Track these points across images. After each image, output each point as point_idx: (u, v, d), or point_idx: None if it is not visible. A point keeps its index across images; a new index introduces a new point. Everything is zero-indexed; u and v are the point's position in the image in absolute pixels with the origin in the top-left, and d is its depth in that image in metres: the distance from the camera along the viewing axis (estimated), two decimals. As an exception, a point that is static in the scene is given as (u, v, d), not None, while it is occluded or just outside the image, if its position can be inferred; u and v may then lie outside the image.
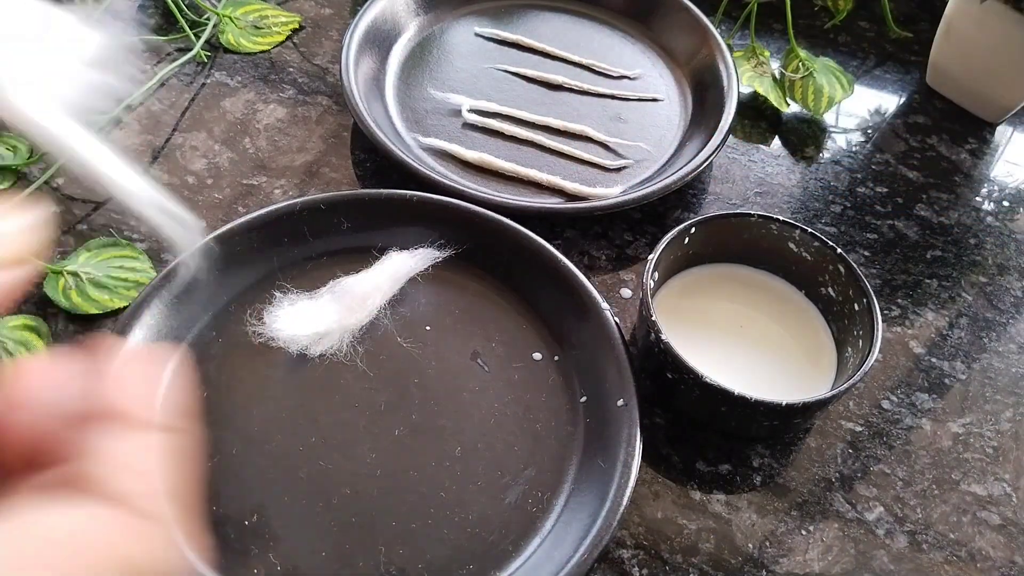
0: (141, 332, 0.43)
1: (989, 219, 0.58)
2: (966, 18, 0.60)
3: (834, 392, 0.40)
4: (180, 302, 0.44)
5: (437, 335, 0.46)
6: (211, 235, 0.46)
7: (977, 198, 0.59)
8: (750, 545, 0.41)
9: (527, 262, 0.48)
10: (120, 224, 0.51)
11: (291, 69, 0.61)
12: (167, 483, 0.20)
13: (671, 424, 0.45)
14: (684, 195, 0.56)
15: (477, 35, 0.63)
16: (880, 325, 0.42)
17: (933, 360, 0.50)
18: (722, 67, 0.59)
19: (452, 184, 0.51)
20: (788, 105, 0.61)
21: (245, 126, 0.57)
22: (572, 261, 0.47)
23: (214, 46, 0.62)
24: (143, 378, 0.21)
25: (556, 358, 0.46)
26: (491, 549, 0.39)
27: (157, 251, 0.49)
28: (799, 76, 0.61)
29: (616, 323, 0.45)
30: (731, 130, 0.55)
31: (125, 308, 0.46)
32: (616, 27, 0.66)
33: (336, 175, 0.55)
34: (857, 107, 0.64)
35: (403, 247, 0.48)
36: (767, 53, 0.63)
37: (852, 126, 0.63)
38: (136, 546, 0.19)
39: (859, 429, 0.46)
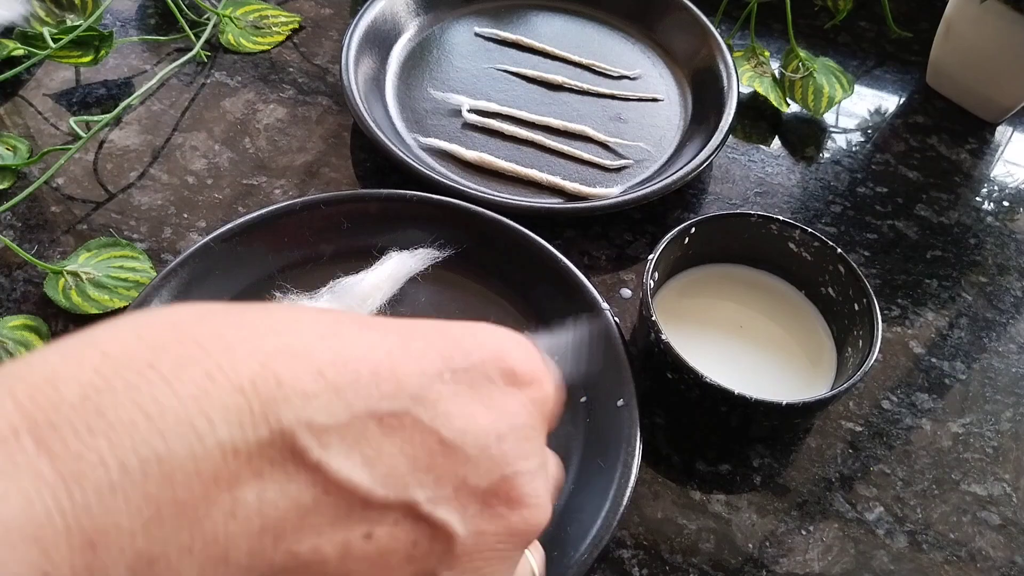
0: (141, 332, 0.43)
1: (989, 219, 0.58)
2: (966, 18, 0.60)
3: (834, 392, 0.40)
4: (180, 302, 0.44)
5: (437, 335, 0.46)
6: (211, 235, 0.46)
7: (977, 198, 0.59)
8: (750, 545, 0.41)
9: (527, 262, 0.48)
10: (120, 224, 0.51)
11: (291, 69, 0.61)
12: None
13: (671, 424, 0.45)
14: (684, 195, 0.56)
15: (477, 35, 0.63)
16: (880, 325, 0.42)
17: (933, 360, 0.50)
18: (722, 67, 0.59)
19: (452, 184, 0.51)
20: (788, 105, 0.61)
21: (245, 126, 0.57)
22: (572, 261, 0.47)
23: (214, 46, 0.62)
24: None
25: (556, 358, 0.46)
26: (491, 549, 0.39)
27: (157, 251, 0.49)
28: (799, 76, 0.61)
29: (616, 323, 0.45)
30: (731, 130, 0.55)
31: (125, 308, 0.46)
32: (616, 27, 0.66)
33: (336, 175, 0.55)
34: (857, 107, 0.64)
35: (403, 247, 0.48)
36: (767, 53, 0.63)
37: (852, 126, 0.63)
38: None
39: (859, 429, 0.46)
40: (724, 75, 0.59)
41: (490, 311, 0.47)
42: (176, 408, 0.19)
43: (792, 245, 0.47)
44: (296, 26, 0.64)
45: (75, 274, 0.47)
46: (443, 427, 0.22)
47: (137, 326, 0.21)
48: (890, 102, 0.65)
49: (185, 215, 0.51)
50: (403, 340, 0.23)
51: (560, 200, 0.53)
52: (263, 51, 0.62)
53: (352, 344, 0.22)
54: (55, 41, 0.54)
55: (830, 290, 0.46)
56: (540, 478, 0.25)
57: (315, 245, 0.48)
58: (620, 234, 0.53)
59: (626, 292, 0.51)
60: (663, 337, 0.41)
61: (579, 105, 0.59)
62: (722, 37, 0.61)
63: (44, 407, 0.19)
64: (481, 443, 0.23)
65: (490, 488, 0.23)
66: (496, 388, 0.24)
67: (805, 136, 0.61)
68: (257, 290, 0.46)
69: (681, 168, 0.53)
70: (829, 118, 0.63)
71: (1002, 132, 0.64)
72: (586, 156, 0.56)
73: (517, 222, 0.48)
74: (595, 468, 0.41)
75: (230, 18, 0.62)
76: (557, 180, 0.54)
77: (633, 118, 0.59)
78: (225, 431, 0.19)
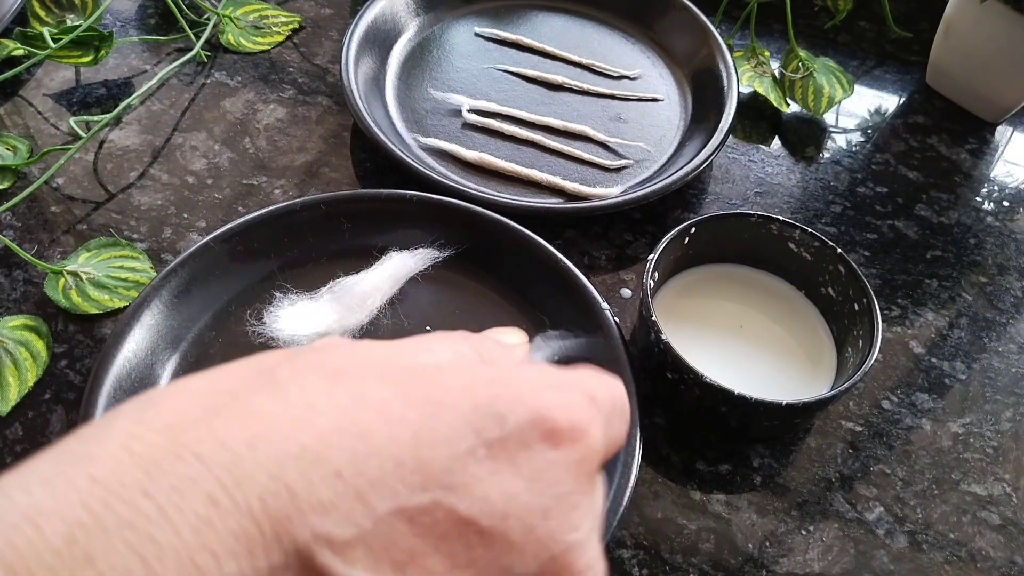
0: (141, 332, 0.43)
1: (989, 219, 0.58)
2: (966, 18, 0.60)
3: (834, 392, 0.40)
4: (180, 302, 0.44)
5: (437, 335, 0.46)
6: (211, 235, 0.46)
7: (977, 198, 0.59)
8: (750, 545, 0.41)
9: (527, 262, 0.48)
10: (120, 224, 0.51)
11: (291, 69, 0.61)
12: None
13: (671, 424, 0.45)
14: (684, 195, 0.56)
15: (477, 35, 0.63)
16: (880, 325, 0.42)
17: (933, 360, 0.50)
18: (722, 67, 0.59)
19: (452, 184, 0.51)
20: (788, 105, 0.61)
21: (245, 126, 0.57)
22: (572, 261, 0.47)
23: (214, 46, 0.62)
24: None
25: (556, 358, 0.46)
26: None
27: (157, 251, 0.49)
28: (799, 76, 0.61)
29: (616, 323, 0.45)
30: (731, 130, 0.55)
31: (125, 308, 0.46)
32: (616, 27, 0.66)
33: (336, 175, 0.55)
34: (857, 107, 0.64)
35: (403, 247, 0.48)
36: (767, 53, 0.63)
37: (852, 126, 0.63)
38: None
39: (859, 429, 0.46)
40: (724, 75, 0.59)
41: (490, 311, 0.47)
42: (176, 546, 0.17)
43: (792, 245, 0.47)
44: (296, 26, 0.64)
45: (75, 274, 0.47)
46: (482, 515, 0.20)
47: (129, 436, 0.19)
48: (890, 102, 0.65)
49: (185, 215, 0.51)
50: (429, 414, 0.21)
51: (560, 200, 0.53)
52: (263, 51, 0.62)
53: (372, 432, 0.20)
54: (55, 41, 0.54)
55: (830, 290, 0.46)
56: (592, 544, 0.22)
57: (315, 245, 0.48)
58: (620, 234, 0.53)
59: (626, 292, 0.51)
60: (663, 337, 0.41)
61: (579, 105, 0.59)
62: (722, 37, 0.61)
63: (24, 554, 0.16)
64: (526, 525, 0.21)
65: (539, 572, 0.21)
66: (536, 454, 0.22)
67: (805, 136, 0.61)
68: (257, 290, 0.46)
69: (681, 168, 0.53)
70: (829, 118, 0.63)
71: (1002, 132, 0.64)
72: (586, 156, 0.56)
73: (517, 222, 0.48)
74: (595, 468, 0.41)
75: (230, 18, 0.62)
76: (557, 180, 0.54)
77: (633, 118, 0.59)
78: (232, 565, 0.17)
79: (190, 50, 0.59)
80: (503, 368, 0.24)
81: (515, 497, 0.21)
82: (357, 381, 0.22)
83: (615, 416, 0.25)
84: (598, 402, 0.24)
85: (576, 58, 0.62)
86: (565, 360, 0.44)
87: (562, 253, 0.47)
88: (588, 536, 0.22)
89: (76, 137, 0.53)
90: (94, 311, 0.46)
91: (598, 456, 0.23)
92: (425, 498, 0.20)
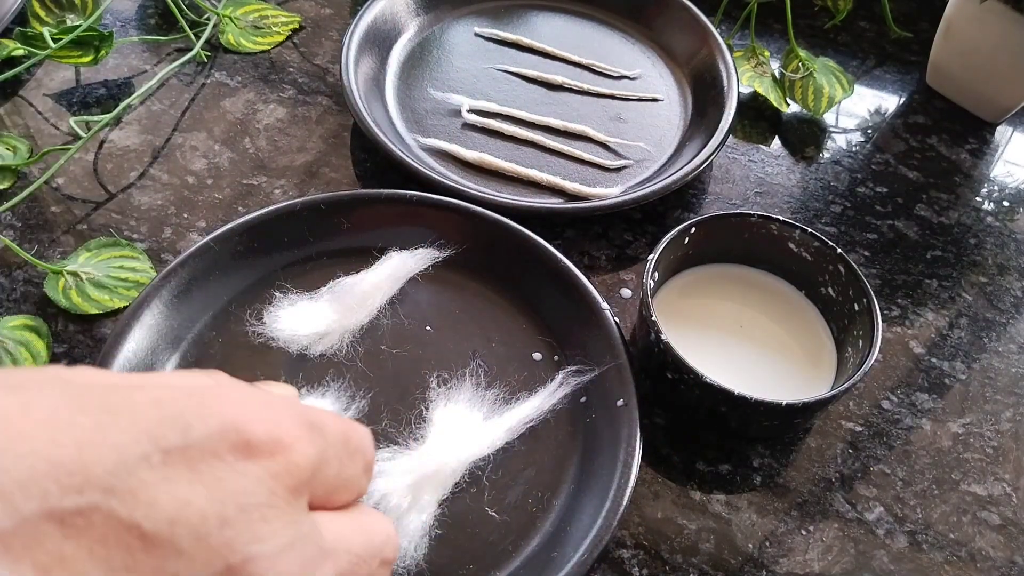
0: (141, 332, 0.43)
1: (989, 219, 0.58)
2: (966, 18, 0.60)
3: (834, 392, 0.40)
4: (180, 302, 0.44)
5: (437, 335, 0.46)
6: (211, 235, 0.46)
7: (977, 198, 0.59)
8: (750, 545, 0.41)
9: (527, 262, 0.48)
10: (120, 224, 0.51)
11: (291, 69, 0.61)
12: None
13: (671, 424, 0.45)
14: (684, 195, 0.56)
15: (477, 35, 0.63)
16: (880, 325, 0.42)
17: (933, 360, 0.50)
18: (722, 67, 0.59)
19: (452, 184, 0.51)
20: (788, 105, 0.61)
21: (245, 126, 0.57)
22: (572, 261, 0.47)
23: (214, 46, 0.62)
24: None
25: (556, 358, 0.46)
26: (491, 549, 0.39)
27: (157, 251, 0.49)
28: (799, 76, 0.61)
29: (616, 323, 0.45)
30: (731, 130, 0.55)
31: (125, 308, 0.46)
32: (616, 27, 0.66)
33: (336, 175, 0.55)
34: (857, 107, 0.64)
35: (403, 247, 0.48)
36: (767, 53, 0.63)
37: (852, 126, 0.63)
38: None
39: (859, 429, 0.46)
40: (724, 75, 0.59)
41: (490, 311, 0.47)
42: None
43: (792, 245, 0.47)
44: (296, 26, 0.64)
45: (75, 274, 0.47)
46: (145, 519, 0.20)
47: None
48: (890, 102, 0.65)
49: (185, 215, 0.51)
50: (103, 422, 0.20)
51: (560, 200, 0.53)
52: (263, 51, 0.62)
53: (31, 435, 0.19)
54: (55, 41, 0.54)
55: (830, 290, 0.46)
56: (288, 559, 0.22)
57: (315, 245, 0.48)
58: (620, 234, 0.53)
59: (626, 292, 0.51)
60: (663, 337, 0.41)
61: (579, 105, 0.59)
62: (722, 37, 0.61)
63: None
64: (197, 532, 0.20)
65: None
66: (224, 464, 0.21)
67: (805, 136, 0.61)
68: (257, 290, 0.46)
69: (681, 168, 0.53)
70: (829, 118, 0.63)
71: (1002, 132, 0.64)
72: (586, 156, 0.56)
73: (517, 222, 0.48)
74: (595, 468, 0.41)
75: (230, 18, 0.62)
76: (557, 180, 0.54)
77: (633, 118, 0.59)
78: None
79: (190, 50, 0.59)
80: (211, 386, 0.23)
81: (188, 504, 0.20)
82: (33, 392, 0.21)
83: (346, 454, 0.25)
84: (323, 432, 0.24)
85: (576, 58, 0.62)
86: (582, 390, 0.44)
87: (562, 253, 0.47)
88: (279, 551, 0.22)
89: (76, 137, 0.53)
90: (94, 311, 0.46)
91: (303, 475, 0.23)
92: (81, 500, 0.19)
